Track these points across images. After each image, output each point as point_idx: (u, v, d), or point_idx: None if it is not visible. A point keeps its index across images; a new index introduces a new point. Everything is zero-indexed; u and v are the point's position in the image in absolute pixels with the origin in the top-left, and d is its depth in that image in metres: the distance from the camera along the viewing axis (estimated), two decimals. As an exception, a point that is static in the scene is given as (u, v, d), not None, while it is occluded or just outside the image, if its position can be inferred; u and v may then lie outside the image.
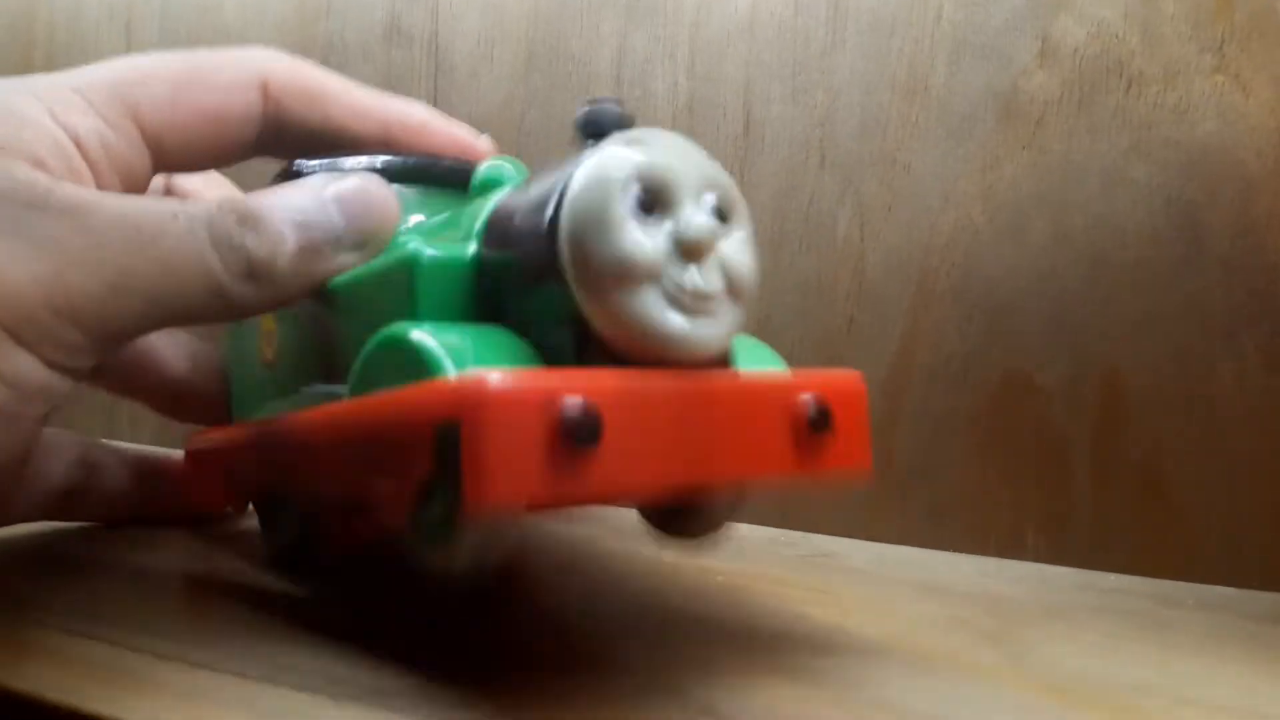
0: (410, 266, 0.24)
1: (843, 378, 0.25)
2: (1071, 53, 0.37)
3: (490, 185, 0.28)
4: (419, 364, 0.21)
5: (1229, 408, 0.35)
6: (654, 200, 0.22)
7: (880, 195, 0.39)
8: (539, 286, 0.23)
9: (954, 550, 0.37)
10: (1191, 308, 0.35)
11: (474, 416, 0.18)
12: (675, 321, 0.22)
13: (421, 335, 0.21)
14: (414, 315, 0.24)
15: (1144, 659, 0.25)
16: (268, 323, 0.32)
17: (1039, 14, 0.37)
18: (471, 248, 0.25)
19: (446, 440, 0.19)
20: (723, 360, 0.23)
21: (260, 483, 0.33)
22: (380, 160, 0.31)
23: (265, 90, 0.30)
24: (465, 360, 0.21)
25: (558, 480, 0.19)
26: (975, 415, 0.37)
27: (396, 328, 0.22)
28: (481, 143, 0.34)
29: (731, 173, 0.42)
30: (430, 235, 0.27)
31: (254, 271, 0.26)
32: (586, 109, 0.24)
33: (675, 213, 0.22)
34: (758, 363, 0.25)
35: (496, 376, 0.18)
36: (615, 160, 0.22)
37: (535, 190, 0.23)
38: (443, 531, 0.20)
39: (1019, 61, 0.37)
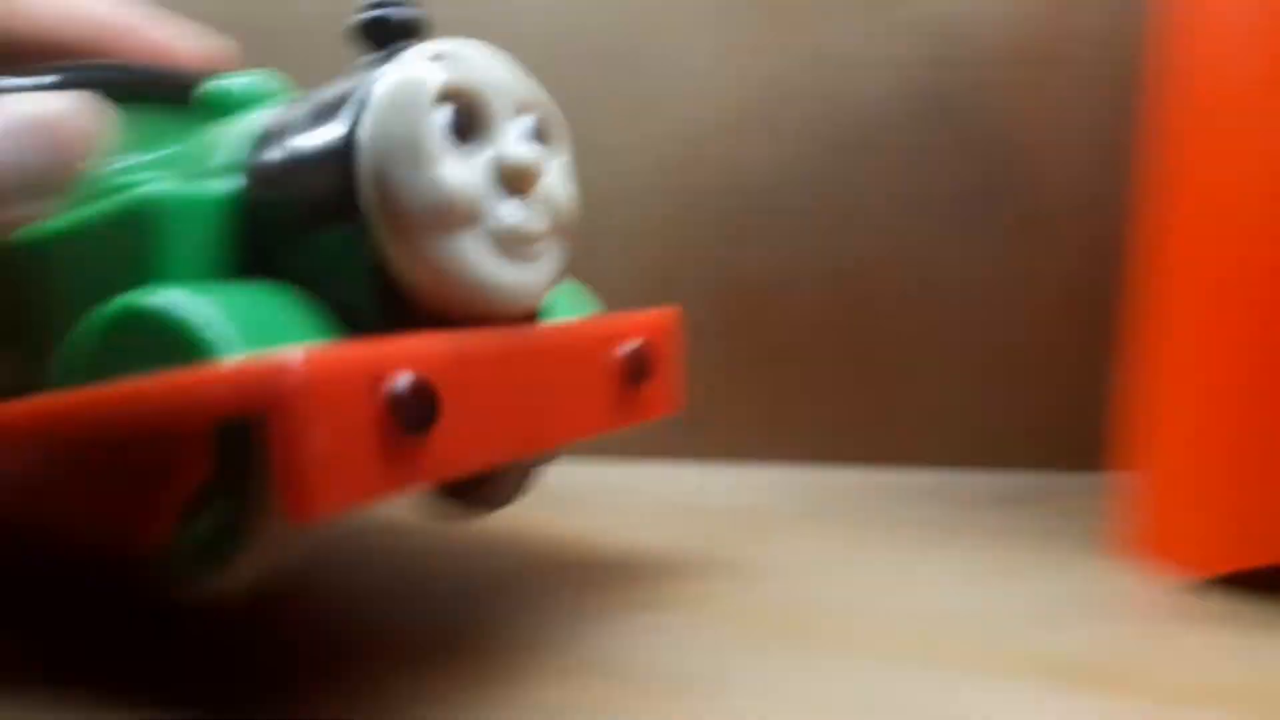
0: (149, 212, 0.19)
1: (659, 319, 0.24)
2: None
3: (229, 104, 0.23)
4: (178, 343, 0.17)
5: (965, 292, 0.36)
6: (468, 124, 0.19)
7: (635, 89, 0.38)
8: (327, 232, 0.19)
9: (708, 460, 0.37)
10: (932, 187, 0.36)
11: (283, 411, 0.15)
12: (500, 270, 0.19)
13: (178, 304, 0.17)
14: (157, 276, 0.19)
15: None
16: None
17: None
18: (225, 185, 0.20)
19: (232, 440, 0.16)
20: (537, 309, 0.21)
21: None
22: (69, 71, 0.24)
23: None
24: (243, 337, 0.17)
25: (389, 473, 0.16)
26: (728, 320, 0.37)
27: (137, 295, 0.18)
28: (208, 48, 0.28)
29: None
30: (162, 171, 0.22)
31: None
32: (370, 10, 0.20)
33: (492, 138, 0.19)
34: (569, 307, 0.23)
35: (301, 357, 0.15)
36: (422, 77, 0.18)
37: (314, 112, 0.19)
38: (217, 550, 0.17)
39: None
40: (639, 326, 0.23)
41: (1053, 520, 0.30)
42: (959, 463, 0.37)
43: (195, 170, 0.21)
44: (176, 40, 0.28)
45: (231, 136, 0.21)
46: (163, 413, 0.16)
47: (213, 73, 0.25)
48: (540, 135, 0.20)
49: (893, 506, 0.32)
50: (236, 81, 0.23)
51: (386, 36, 0.20)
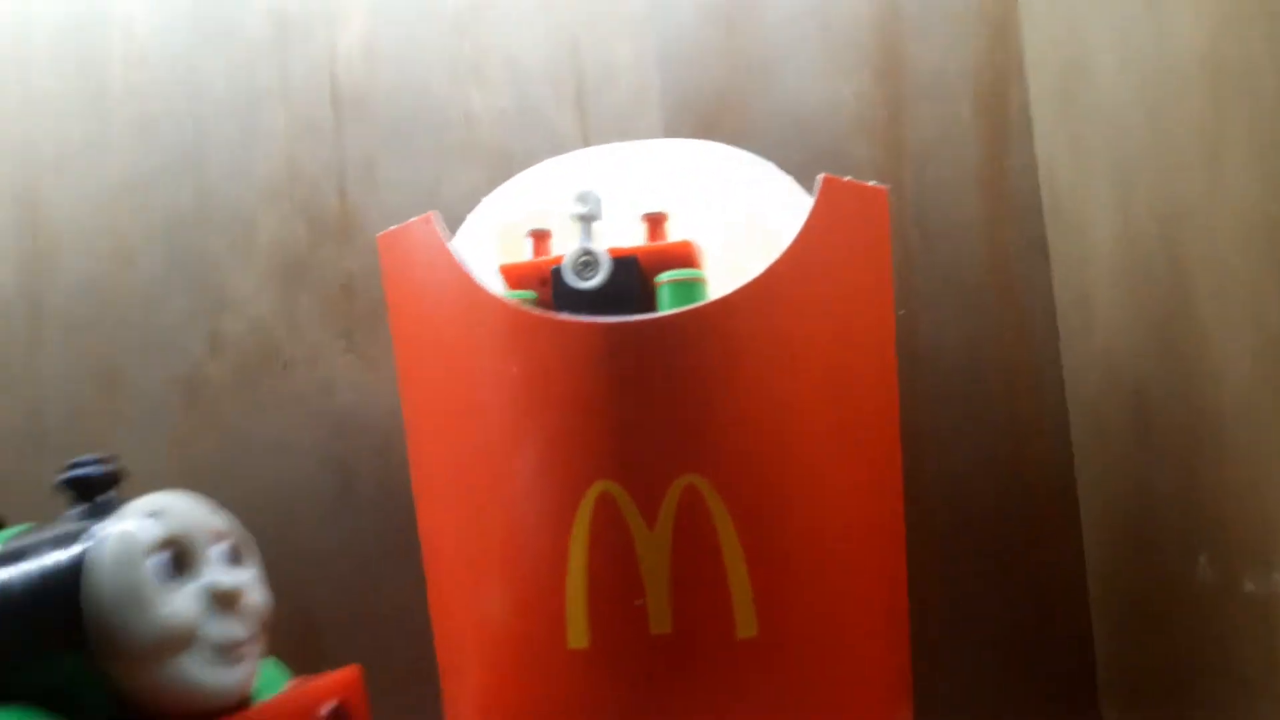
0: None
1: (344, 677, 0.29)
2: (235, 343, 0.43)
3: None
4: None
5: (401, 620, 0.42)
6: (179, 562, 0.24)
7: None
8: (57, 657, 0.23)
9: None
10: (351, 541, 0.42)
11: None
12: (214, 676, 0.24)
13: None
14: None
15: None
16: None
17: (207, 312, 0.44)
18: None
19: None
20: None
21: None
22: None
23: None
24: None
25: None
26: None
27: None
28: None
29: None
30: None
31: None
32: (71, 471, 0.25)
33: (198, 570, 0.24)
34: (271, 682, 0.28)
35: None
36: (138, 533, 0.23)
37: (35, 558, 0.24)
38: None
39: (195, 353, 0.44)
40: (333, 687, 0.28)
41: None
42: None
43: None
44: None
45: None
46: None
47: None
48: (235, 555, 0.26)
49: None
50: None
51: (89, 490, 0.25)
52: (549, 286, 0.34)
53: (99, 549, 0.23)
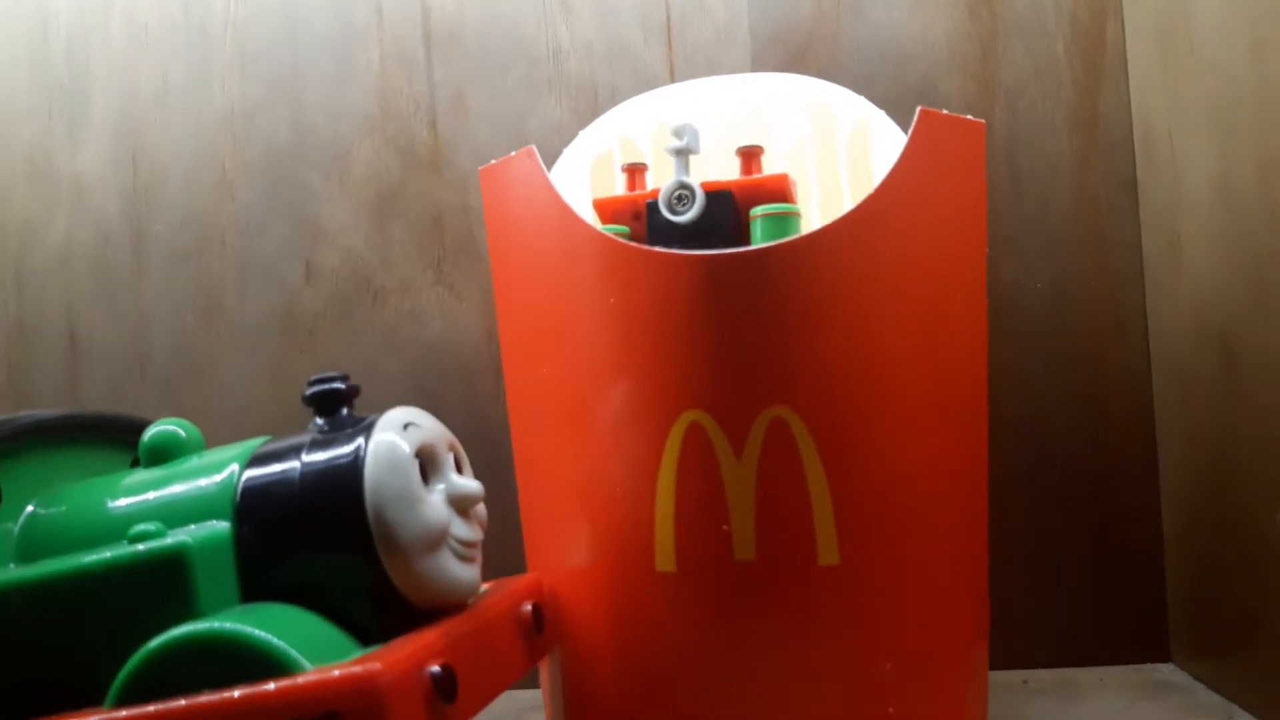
0: (182, 559, 0.25)
1: (534, 580, 0.32)
2: (330, 273, 0.45)
3: (164, 451, 0.29)
4: (266, 662, 0.23)
5: (485, 544, 0.43)
6: (426, 469, 0.27)
7: (194, 401, 0.45)
8: (334, 557, 0.26)
9: None
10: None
11: (370, 704, 0.21)
12: (460, 572, 0.27)
13: (254, 632, 0.23)
14: (194, 609, 0.24)
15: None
16: None
17: (302, 243, 0.45)
18: (224, 526, 0.26)
19: None
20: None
21: None
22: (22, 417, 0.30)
23: None
24: (307, 654, 0.23)
25: None
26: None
27: (205, 625, 0.23)
28: None
29: (63, 387, 0.46)
30: (142, 515, 0.27)
31: None
32: (316, 386, 0.28)
33: (441, 475, 0.27)
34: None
35: (380, 665, 0.21)
36: (403, 444, 0.26)
37: (299, 468, 0.27)
38: None
39: (291, 282, 0.45)
40: (529, 590, 0.31)
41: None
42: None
43: (181, 514, 0.27)
44: None
45: (204, 487, 0.27)
46: (284, 710, 0.22)
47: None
48: (458, 464, 0.29)
49: None
50: (164, 434, 0.29)
51: (332, 405, 0.28)
52: (642, 221, 0.34)
53: (374, 458, 0.26)
